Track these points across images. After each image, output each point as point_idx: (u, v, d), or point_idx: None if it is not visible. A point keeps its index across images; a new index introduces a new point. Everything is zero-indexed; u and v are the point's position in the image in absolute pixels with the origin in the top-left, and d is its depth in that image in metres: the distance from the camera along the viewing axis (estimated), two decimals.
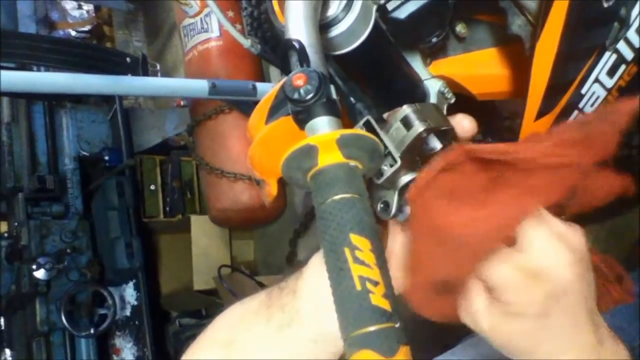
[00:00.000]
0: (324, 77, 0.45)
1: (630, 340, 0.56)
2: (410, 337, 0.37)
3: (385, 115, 0.57)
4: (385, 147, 0.52)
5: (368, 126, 0.53)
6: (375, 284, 0.37)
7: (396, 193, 0.54)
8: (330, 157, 0.42)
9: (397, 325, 0.36)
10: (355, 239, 0.39)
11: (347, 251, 0.38)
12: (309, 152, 0.43)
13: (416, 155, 0.53)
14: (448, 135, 0.55)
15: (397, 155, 0.52)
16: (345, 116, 0.58)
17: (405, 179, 0.53)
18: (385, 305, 0.36)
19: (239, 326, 0.62)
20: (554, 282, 0.46)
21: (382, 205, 0.55)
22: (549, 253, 0.47)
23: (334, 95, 0.46)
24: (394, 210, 0.54)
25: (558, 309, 0.47)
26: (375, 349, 0.35)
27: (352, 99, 0.59)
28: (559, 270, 0.46)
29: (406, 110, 0.53)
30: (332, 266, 0.39)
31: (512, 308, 0.47)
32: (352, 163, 0.43)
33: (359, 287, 0.37)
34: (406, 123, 0.53)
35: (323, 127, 0.45)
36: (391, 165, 0.52)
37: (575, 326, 0.49)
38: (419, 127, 0.52)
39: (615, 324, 0.54)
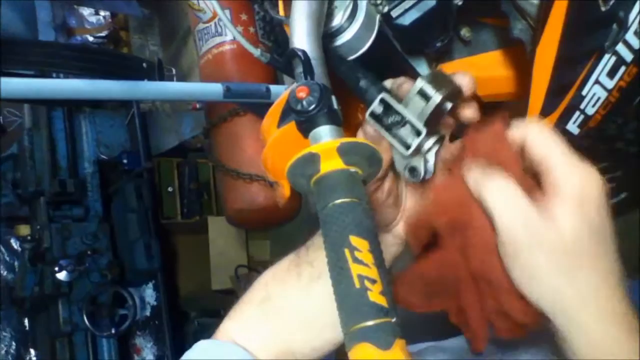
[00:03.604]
0: (326, 88, 0.48)
1: None
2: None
3: (388, 84, 0.60)
4: (406, 119, 0.55)
5: (384, 103, 0.56)
6: (373, 282, 0.39)
7: (422, 158, 0.57)
8: (331, 164, 0.45)
9: (394, 320, 0.38)
10: (354, 240, 0.41)
11: (347, 252, 0.41)
12: (312, 159, 0.45)
13: (434, 119, 0.56)
14: (456, 95, 0.58)
15: (420, 126, 0.54)
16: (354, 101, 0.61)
17: (428, 143, 0.57)
18: (382, 301, 0.39)
19: (273, 284, 0.68)
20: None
21: (409, 172, 0.58)
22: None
23: (335, 106, 0.49)
24: (422, 173, 0.58)
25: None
26: (373, 342, 0.37)
27: (358, 75, 0.61)
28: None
29: (421, 83, 0.55)
30: (333, 266, 0.41)
31: None
32: (352, 169, 0.45)
33: (357, 285, 0.39)
34: (423, 95, 0.55)
35: (325, 136, 0.47)
36: (417, 136, 0.55)
37: None
38: (437, 97, 0.55)
39: None
